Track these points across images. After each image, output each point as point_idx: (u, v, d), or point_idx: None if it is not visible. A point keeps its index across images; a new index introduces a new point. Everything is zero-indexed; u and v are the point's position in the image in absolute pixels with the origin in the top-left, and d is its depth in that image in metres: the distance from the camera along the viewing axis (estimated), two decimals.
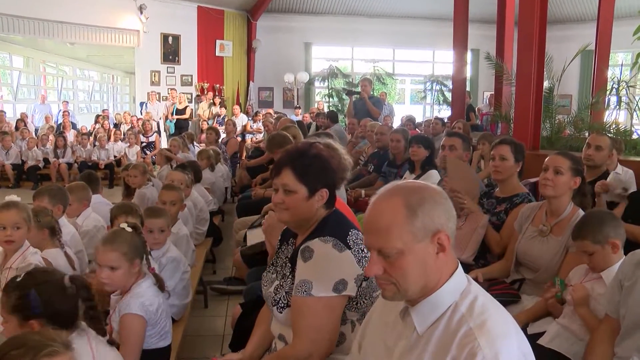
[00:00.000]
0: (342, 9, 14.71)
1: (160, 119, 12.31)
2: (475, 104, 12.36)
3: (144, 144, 10.73)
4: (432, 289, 1.26)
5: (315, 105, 14.16)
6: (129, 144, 10.38)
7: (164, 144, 10.71)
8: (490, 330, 1.17)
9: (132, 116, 12.11)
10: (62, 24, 11.51)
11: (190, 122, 12.50)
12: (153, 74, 13.06)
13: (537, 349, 2.15)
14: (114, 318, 2.27)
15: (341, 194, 3.09)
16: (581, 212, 2.56)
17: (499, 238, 2.97)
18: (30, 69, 15.48)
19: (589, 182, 3.33)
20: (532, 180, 3.67)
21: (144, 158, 10.05)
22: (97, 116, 12.89)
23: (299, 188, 1.84)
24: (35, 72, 15.74)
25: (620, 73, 6.91)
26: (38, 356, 1.30)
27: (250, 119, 12.54)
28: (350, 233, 1.85)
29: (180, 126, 11.88)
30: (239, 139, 10.08)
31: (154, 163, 8.49)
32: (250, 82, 14.61)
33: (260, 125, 11.56)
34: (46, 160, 9.95)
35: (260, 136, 11.22)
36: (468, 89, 10.72)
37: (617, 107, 6.45)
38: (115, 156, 10.21)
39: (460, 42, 7.88)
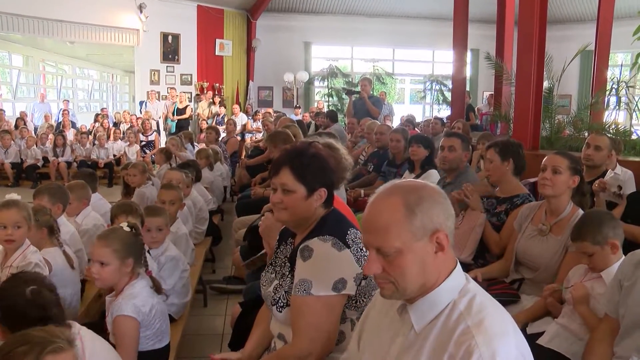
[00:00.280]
0: (342, 8, 14.71)
1: (159, 118, 12.31)
2: (475, 104, 12.36)
3: (144, 143, 10.73)
4: (430, 287, 1.26)
5: (315, 105, 14.16)
6: (128, 143, 10.38)
7: (163, 143, 10.71)
8: (488, 329, 1.17)
9: (131, 115, 12.10)
10: (62, 23, 11.51)
11: (190, 122, 12.50)
12: (153, 73, 13.06)
13: (537, 349, 2.16)
14: (108, 320, 2.26)
15: (341, 193, 3.09)
16: (581, 212, 2.56)
17: (498, 238, 2.98)
18: (29, 68, 15.47)
19: (588, 182, 3.34)
20: (532, 180, 3.68)
21: (143, 157, 10.05)
22: (97, 115, 12.88)
23: (297, 187, 1.85)
24: (35, 71, 15.73)
25: (620, 73, 6.90)
26: (43, 353, 1.31)
27: (250, 118, 12.55)
28: (349, 232, 1.85)
29: (181, 125, 11.88)
30: (239, 138, 10.08)
31: (153, 162, 8.49)
32: (250, 81, 14.60)
33: (259, 124, 11.56)
34: (45, 159, 9.95)
35: (259, 135, 11.22)
36: (468, 88, 10.73)
37: (617, 107, 6.45)
38: (114, 155, 10.21)
39: (460, 41, 7.88)
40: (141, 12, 12.29)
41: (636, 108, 6.38)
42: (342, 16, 14.78)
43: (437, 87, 14.89)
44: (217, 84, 13.67)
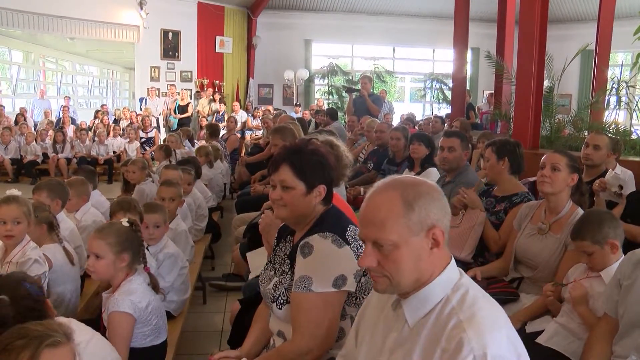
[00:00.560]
0: (343, 6, 14.70)
1: (159, 114, 12.30)
2: (475, 103, 12.35)
3: (143, 140, 10.71)
4: (424, 282, 1.27)
5: (315, 103, 14.15)
6: (128, 140, 10.37)
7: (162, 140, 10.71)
8: (479, 323, 1.17)
9: (131, 112, 12.10)
10: (62, 19, 11.49)
11: (190, 119, 12.50)
12: (153, 69, 13.05)
13: (536, 348, 2.16)
14: (104, 316, 2.25)
15: (341, 191, 3.09)
16: (580, 211, 2.57)
17: (498, 236, 2.98)
18: (29, 64, 15.46)
19: (588, 181, 3.34)
20: (532, 179, 3.68)
21: (143, 154, 10.04)
22: (97, 111, 12.87)
23: (296, 184, 1.85)
24: (35, 67, 15.71)
25: (620, 73, 6.88)
26: (41, 347, 1.31)
27: (250, 115, 12.55)
28: (349, 228, 1.85)
29: (182, 122, 11.88)
30: (239, 135, 10.07)
31: (153, 159, 8.48)
32: (250, 78, 14.59)
33: (258, 121, 11.55)
34: (45, 155, 9.95)
35: (259, 133, 11.21)
36: (468, 87, 10.72)
37: (617, 107, 6.44)
38: (114, 152, 10.21)
39: (460, 40, 7.87)
40: (141, 8, 12.28)
41: (636, 108, 6.37)
42: (342, 14, 14.76)
43: (437, 86, 14.88)
44: (217, 81, 13.66)
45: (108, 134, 10.66)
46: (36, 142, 10.04)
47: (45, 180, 3.51)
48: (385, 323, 1.36)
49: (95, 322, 2.30)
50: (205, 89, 13.21)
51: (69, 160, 9.96)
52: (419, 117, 12.51)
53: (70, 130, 10.88)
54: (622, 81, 6.37)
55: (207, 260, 4.77)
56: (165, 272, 2.98)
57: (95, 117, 12.36)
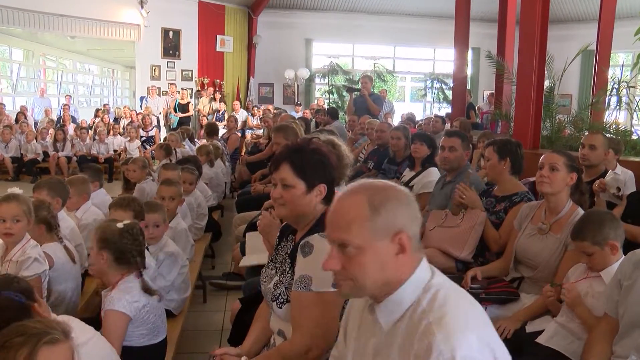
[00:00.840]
0: (343, 5, 14.70)
1: (160, 113, 12.30)
2: (476, 103, 12.35)
3: (144, 139, 10.71)
4: (393, 287, 1.25)
5: (316, 102, 14.15)
6: (129, 139, 10.38)
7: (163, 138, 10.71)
8: (448, 324, 1.15)
9: (131, 111, 12.10)
10: (63, 17, 11.49)
11: (190, 118, 12.50)
12: (153, 68, 13.04)
13: (536, 347, 2.17)
14: (102, 314, 2.25)
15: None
16: (580, 211, 2.57)
17: (498, 236, 2.98)
18: (30, 62, 15.45)
19: (588, 181, 3.34)
20: (532, 179, 3.67)
21: (143, 153, 10.04)
22: (97, 110, 12.87)
23: (297, 183, 1.85)
24: (35, 65, 15.70)
25: (621, 73, 6.90)
26: (39, 344, 1.31)
27: (249, 114, 12.55)
28: None
29: (182, 121, 11.88)
30: (239, 134, 10.08)
31: (153, 158, 8.48)
32: (251, 77, 14.59)
33: (258, 120, 11.55)
34: (45, 154, 9.95)
35: (259, 132, 11.21)
36: (468, 87, 10.72)
37: (617, 107, 6.44)
38: (115, 150, 10.21)
39: (461, 40, 7.87)
40: (142, 7, 12.28)
41: (637, 108, 6.37)
42: (343, 13, 14.76)
43: (438, 86, 14.88)
44: (218, 80, 13.66)
45: (108, 132, 10.67)
46: (37, 141, 10.04)
47: (46, 179, 3.51)
48: (366, 327, 1.36)
49: (96, 320, 2.30)
50: (205, 88, 13.21)
51: (69, 159, 9.97)
52: (419, 116, 12.52)
53: (70, 129, 10.89)
54: (622, 81, 6.37)
55: (207, 259, 4.77)
56: (165, 271, 2.98)
57: (96, 116, 12.37)
